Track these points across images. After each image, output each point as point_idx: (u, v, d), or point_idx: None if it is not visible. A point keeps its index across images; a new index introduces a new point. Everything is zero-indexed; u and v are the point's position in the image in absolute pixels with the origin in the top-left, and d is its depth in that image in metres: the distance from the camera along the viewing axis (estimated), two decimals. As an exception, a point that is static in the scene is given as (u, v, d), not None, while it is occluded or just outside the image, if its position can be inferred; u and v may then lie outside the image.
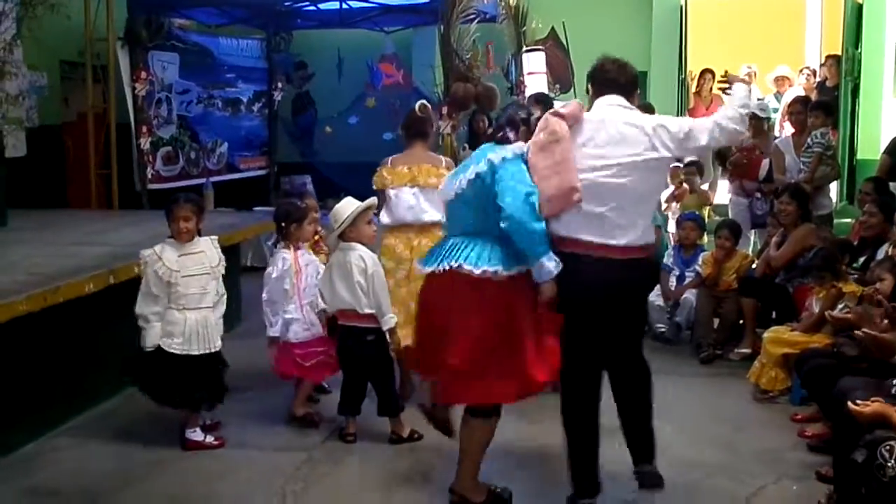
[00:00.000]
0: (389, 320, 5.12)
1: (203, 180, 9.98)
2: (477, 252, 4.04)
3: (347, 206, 5.14)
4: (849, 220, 8.15)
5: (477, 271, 4.00)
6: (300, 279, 5.42)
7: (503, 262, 4.01)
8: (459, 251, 4.07)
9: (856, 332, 4.57)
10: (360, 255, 5.10)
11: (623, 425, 4.38)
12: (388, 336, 5.19)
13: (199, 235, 5.12)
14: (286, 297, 5.39)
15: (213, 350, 5.05)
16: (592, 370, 4.25)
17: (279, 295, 5.40)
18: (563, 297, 4.05)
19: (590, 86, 4.46)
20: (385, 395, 5.24)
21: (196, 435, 5.10)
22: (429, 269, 4.19)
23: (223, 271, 5.18)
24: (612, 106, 4.22)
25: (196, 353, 4.98)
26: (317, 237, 5.94)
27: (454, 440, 4.45)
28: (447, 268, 4.07)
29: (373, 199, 5.37)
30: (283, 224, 5.53)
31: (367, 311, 5.09)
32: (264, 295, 5.42)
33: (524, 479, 4.74)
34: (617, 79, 4.34)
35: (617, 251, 4.02)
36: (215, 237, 5.25)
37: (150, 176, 9.34)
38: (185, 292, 4.94)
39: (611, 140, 4.05)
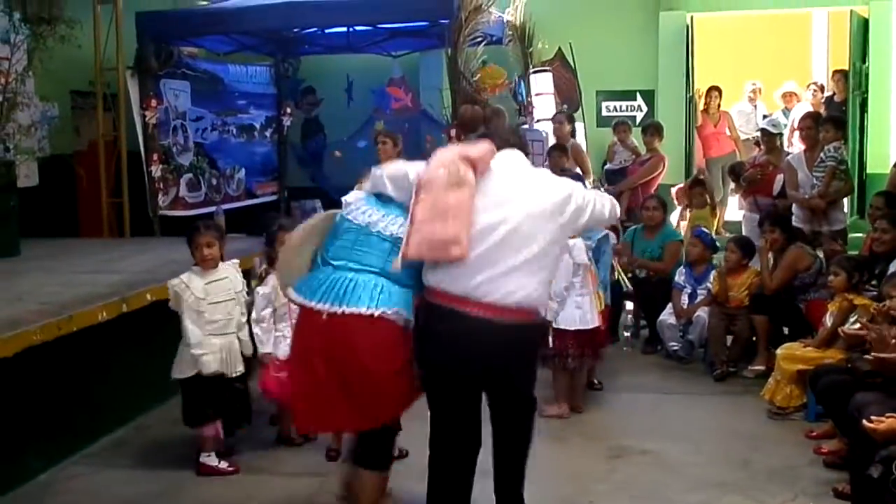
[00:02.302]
0: None
1: (213, 208, 10.02)
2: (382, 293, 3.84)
3: None
4: (860, 234, 8.13)
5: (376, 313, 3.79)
6: None
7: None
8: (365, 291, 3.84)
9: (865, 357, 4.57)
10: None
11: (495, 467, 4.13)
12: None
13: (222, 260, 5.17)
14: (277, 317, 5.41)
15: (235, 374, 5.12)
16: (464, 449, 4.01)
17: (268, 314, 5.42)
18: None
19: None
20: None
21: (211, 460, 5.11)
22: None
23: (245, 296, 5.22)
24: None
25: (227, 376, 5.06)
26: None
27: None
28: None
29: None
30: (268, 248, 5.60)
31: None
32: (253, 314, 5.44)
33: None
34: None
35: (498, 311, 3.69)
36: (236, 261, 5.30)
37: (163, 203, 9.37)
38: (210, 319, 4.99)
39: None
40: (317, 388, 3.93)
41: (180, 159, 9.70)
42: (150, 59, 9.15)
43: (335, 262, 3.95)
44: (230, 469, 5.13)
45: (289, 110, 11.72)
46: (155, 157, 9.19)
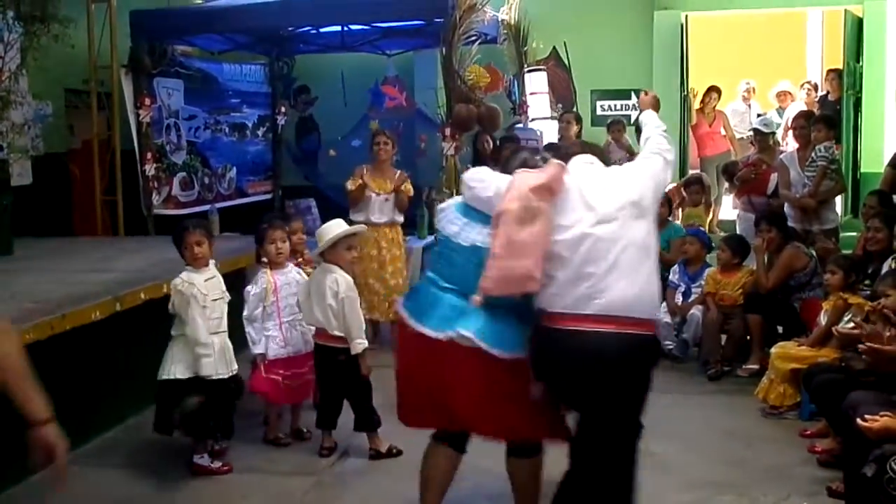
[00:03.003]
0: (358, 345, 5.16)
1: (208, 206, 10.01)
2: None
3: (331, 229, 5.22)
4: (854, 233, 8.15)
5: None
6: (278, 297, 5.45)
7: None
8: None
9: (860, 345, 4.56)
10: (336, 279, 5.18)
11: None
12: (359, 360, 5.21)
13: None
14: (265, 315, 5.43)
15: (233, 373, 5.11)
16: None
17: (258, 313, 5.43)
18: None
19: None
20: (362, 411, 5.31)
21: (204, 460, 5.10)
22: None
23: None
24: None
25: (224, 376, 5.03)
26: (300, 259, 6.00)
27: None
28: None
29: (361, 227, 5.45)
30: (257, 246, 5.64)
31: (337, 333, 5.16)
32: (245, 313, 5.45)
33: None
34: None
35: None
36: (213, 260, 5.28)
37: (156, 202, 9.35)
38: (211, 316, 4.98)
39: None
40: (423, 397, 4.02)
41: (174, 158, 9.69)
42: (143, 57, 9.12)
43: (429, 274, 4.06)
44: (223, 469, 5.12)
45: (283, 109, 11.70)
46: (149, 155, 9.17)
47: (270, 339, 5.44)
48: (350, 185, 7.66)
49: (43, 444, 2.79)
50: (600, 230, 3.64)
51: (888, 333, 4.59)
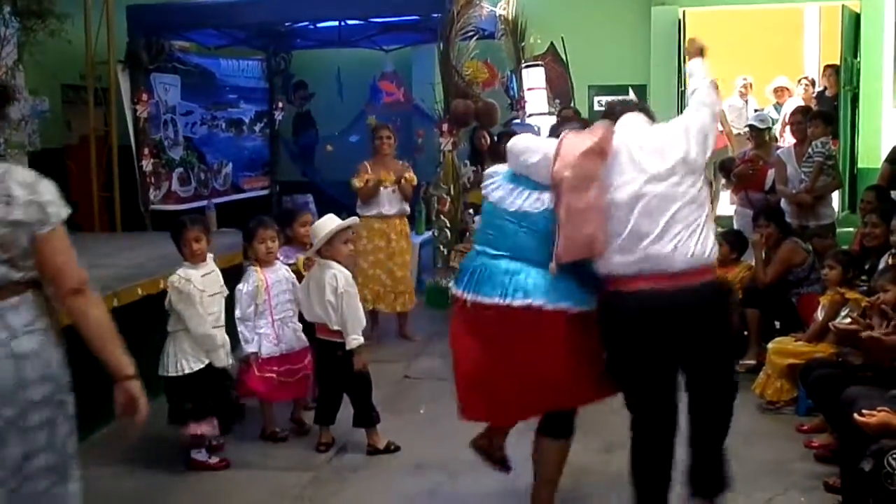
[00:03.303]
0: (353, 341, 5.17)
1: (205, 202, 10.01)
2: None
3: (326, 224, 5.22)
4: (851, 229, 8.15)
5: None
6: (270, 295, 5.44)
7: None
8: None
9: (862, 333, 4.55)
10: (335, 274, 5.18)
11: (690, 452, 4.05)
12: (354, 355, 5.21)
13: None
14: (257, 314, 5.43)
15: (228, 367, 5.16)
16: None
17: (251, 311, 5.43)
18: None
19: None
20: (361, 407, 5.32)
21: (200, 455, 5.10)
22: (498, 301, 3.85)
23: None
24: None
25: (227, 366, 5.12)
26: (308, 253, 5.97)
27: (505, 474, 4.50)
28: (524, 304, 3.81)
29: (353, 219, 5.45)
30: (245, 243, 5.64)
31: (336, 327, 5.17)
32: (237, 312, 5.43)
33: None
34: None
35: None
36: (211, 254, 5.28)
37: (155, 197, 9.35)
38: (209, 311, 5.00)
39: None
40: (484, 377, 3.98)
41: (171, 153, 9.70)
42: (140, 52, 9.12)
43: (477, 247, 4.06)
44: (220, 464, 5.13)
45: (280, 105, 11.70)
46: (146, 151, 9.17)
47: (263, 338, 5.42)
48: (358, 183, 7.63)
49: (127, 396, 3.17)
50: (653, 189, 3.71)
51: (884, 329, 4.59)
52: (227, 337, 5.12)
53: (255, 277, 5.47)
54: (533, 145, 4.00)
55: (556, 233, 3.76)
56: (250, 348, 5.39)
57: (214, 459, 5.13)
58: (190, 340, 4.96)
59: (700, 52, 4.24)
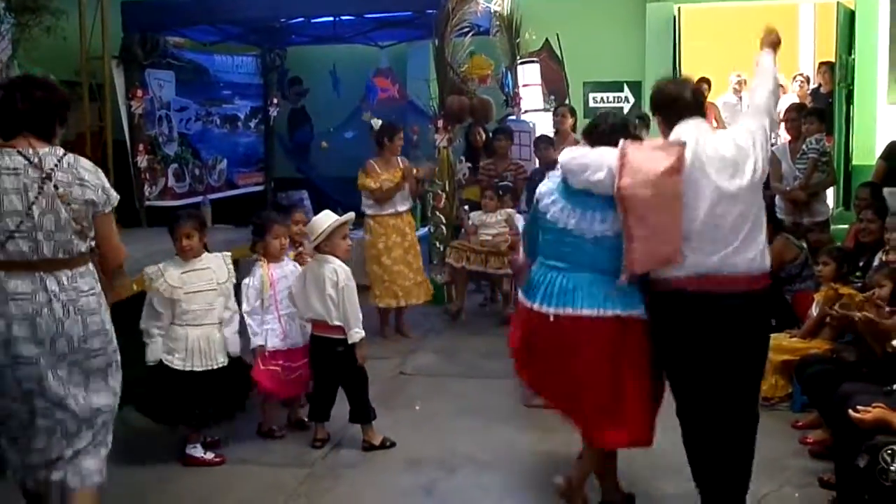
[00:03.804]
0: (356, 335, 5.18)
1: (200, 198, 10.00)
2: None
3: (324, 220, 5.22)
4: (845, 225, 8.17)
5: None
6: (276, 290, 5.45)
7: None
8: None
9: (856, 315, 4.54)
10: (334, 269, 5.18)
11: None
12: (356, 349, 5.22)
13: (207, 251, 5.18)
14: (263, 308, 5.43)
15: (215, 367, 5.06)
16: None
17: (258, 305, 5.44)
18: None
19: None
20: (357, 403, 5.32)
21: (196, 451, 5.10)
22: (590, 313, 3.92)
23: (232, 287, 5.21)
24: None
25: (198, 369, 5.00)
26: (300, 250, 5.97)
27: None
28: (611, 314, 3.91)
29: (350, 214, 5.45)
30: (253, 237, 5.63)
31: (337, 322, 5.15)
32: (244, 306, 5.43)
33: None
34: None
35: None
36: (228, 253, 5.31)
37: (150, 193, 9.34)
38: (188, 308, 4.99)
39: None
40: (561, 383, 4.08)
41: (166, 149, 9.70)
42: (135, 48, 9.11)
43: (549, 262, 4.06)
44: (216, 460, 5.12)
45: (275, 101, 11.69)
46: (141, 147, 9.16)
47: (270, 332, 5.43)
48: (374, 184, 7.61)
49: None
50: (729, 203, 3.78)
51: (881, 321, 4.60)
52: (215, 336, 5.07)
53: (260, 272, 5.47)
54: (594, 161, 3.94)
55: (625, 245, 3.82)
56: (258, 341, 5.40)
57: (210, 455, 5.12)
58: (174, 335, 4.99)
59: (774, 44, 4.27)
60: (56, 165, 3.63)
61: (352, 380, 5.28)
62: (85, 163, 3.75)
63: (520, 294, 4.24)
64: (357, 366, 5.24)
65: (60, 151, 3.70)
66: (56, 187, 3.59)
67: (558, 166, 4.09)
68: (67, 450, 3.72)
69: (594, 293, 3.92)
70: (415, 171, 7.84)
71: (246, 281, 5.48)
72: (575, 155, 4.03)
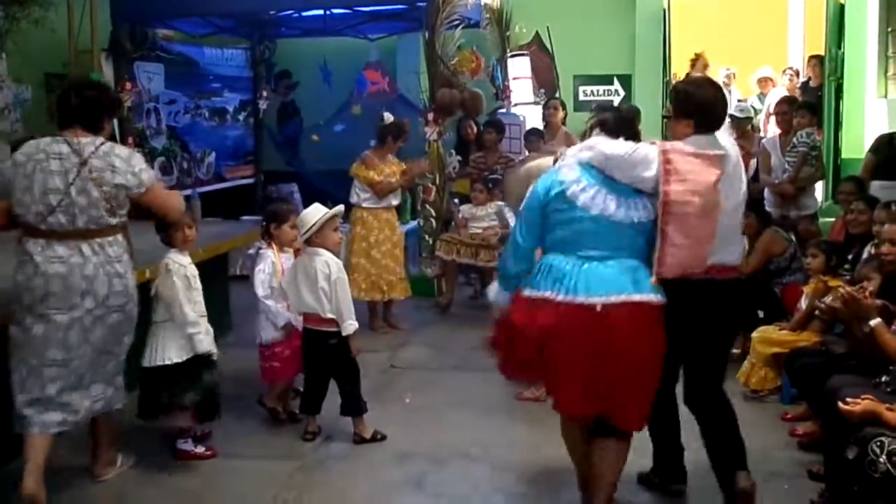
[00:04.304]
0: (349, 326, 5.18)
1: (189, 191, 9.98)
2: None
3: (314, 213, 5.21)
4: (833, 219, 8.19)
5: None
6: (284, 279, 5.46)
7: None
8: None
9: (841, 290, 4.52)
10: (326, 261, 5.17)
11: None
12: (349, 341, 5.22)
13: None
14: (273, 295, 5.46)
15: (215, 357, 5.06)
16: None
17: (270, 290, 5.47)
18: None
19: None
20: (349, 396, 5.31)
21: (187, 445, 5.08)
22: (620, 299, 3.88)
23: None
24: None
25: (215, 352, 5.03)
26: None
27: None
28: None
29: (340, 207, 5.45)
30: (265, 225, 5.63)
31: (330, 315, 5.15)
32: (260, 291, 5.46)
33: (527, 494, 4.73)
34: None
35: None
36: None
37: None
38: (196, 298, 4.96)
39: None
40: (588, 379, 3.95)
41: (153, 143, 9.67)
42: (124, 41, 9.09)
43: (580, 252, 3.93)
44: (207, 453, 5.11)
45: (265, 94, 11.67)
46: (130, 140, 9.13)
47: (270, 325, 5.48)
48: (376, 177, 7.60)
49: None
50: (740, 207, 4.21)
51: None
52: (210, 326, 5.07)
53: (271, 259, 5.48)
54: (646, 156, 3.89)
55: (659, 247, 3.85)
56: (287, 315, 5.45)
57: (201, 449, 5.11)
58: (175, 330, 4.91)
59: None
60: (93, 153, 4.32)
61: (344, 373, 5.27)
62: (120, 151, 4.41)
63: (531, 291, 3.98)
64: (350, 358, 5.24)
65: (99, 141, 4.37)
66: (90, 171, 4.28)
67: (579, 156, 4.04)
68: (81, 390, 4.46)
69: (639, 279, 3.90)
70: (414, 167, 7.84)
71: (259, 267, 5.50)
72: (622, 151, 3.96)
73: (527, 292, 4.00)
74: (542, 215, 4.02)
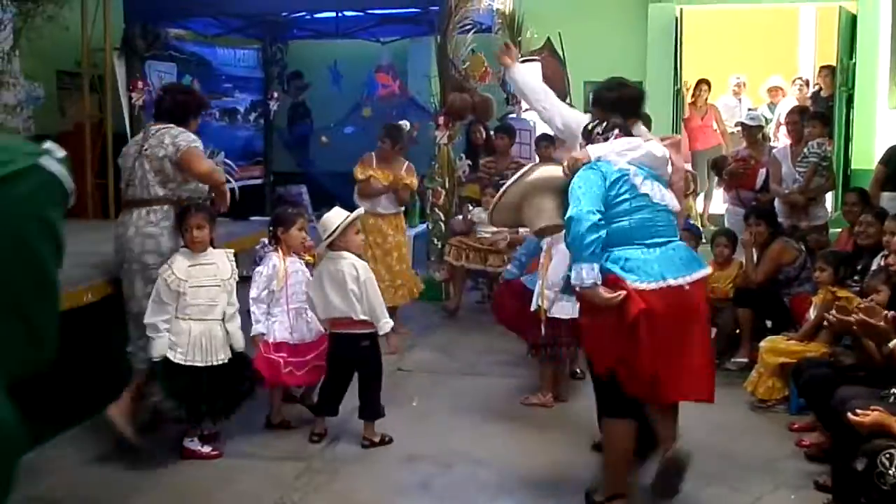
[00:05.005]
0: (385, 325, 5.18)
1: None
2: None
3: (337, 217, 5.20)
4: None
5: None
6: (287, 284, 5.45)
7: None
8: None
9: (852, 316, 4.52)
10: (352, 264, 5.17)
11: None
12: (386, 340, 5.24)
13: (213, 246, 5.16)
14: (273, 300, 5.43)
15: (216, 363, 5.02)
16: None
17: (265, 295, 5.44)
18: None
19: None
20: (371, 400, 5.31)
21: (194, 444, 5.09)
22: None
23: (235, 284, 5.20)
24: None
25: (199, 364, 4.96)
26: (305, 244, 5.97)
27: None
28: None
29: (360, 210, 5.44)
30: (272, 228, 5.62)
31: (363, 317, 5.13)
32: (252, 292, 5.44)
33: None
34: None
35: None
36: (231, 250, 5.28)
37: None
38: (191, 302, 4.95)
39: None
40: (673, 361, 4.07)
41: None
42: (136, 40, 9.10)
43: (647, 241, 4.07)
44: (213, 453, 5.11)
45: (276, 95, 11.68)
46: (140, 138, 9.15)
47: (277, 323, 5.43)
48: (360, 175, 7.61)
49: None
50: None
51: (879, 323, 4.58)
52: (217, 332, 5.03)
53: (275, 262, 5.47)
54: (665, 153, 4.35)
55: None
56: (259, 329, 5.39)
57: (207, 448, 5.11)
58: (177, 329, 4.96)
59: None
60: (151, 136, 5.17)
61: (371, 375, 5.26)
62: (174, 131, 5.17)
63: (604, 292, 3.95)
64: (379, 360, 5.25)
65: (156, 129, 5.21)
66: (146, 149, 5.13)
67: (630, 157, 4.18)
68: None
69: (692, 256, 4.24)
70: (405, 181, 7.73)
71: (259, 269, 5.50)
72: (661, 153, 4.31)
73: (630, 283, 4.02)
74: (605, 198, 4.08)
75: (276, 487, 4.74)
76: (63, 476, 4.86)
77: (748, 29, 15.06)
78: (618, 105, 4.56)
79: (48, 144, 2.06)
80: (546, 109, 5.02)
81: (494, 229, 8.24)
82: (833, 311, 5.11)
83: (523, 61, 10.82)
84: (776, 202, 8.04)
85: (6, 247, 1.94)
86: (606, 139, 4.29)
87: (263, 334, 5.40)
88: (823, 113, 9.26)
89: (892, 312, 4.40)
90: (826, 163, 8.02)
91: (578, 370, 6.44)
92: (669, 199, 4.20)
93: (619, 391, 4.14)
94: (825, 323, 5.44)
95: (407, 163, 7.85)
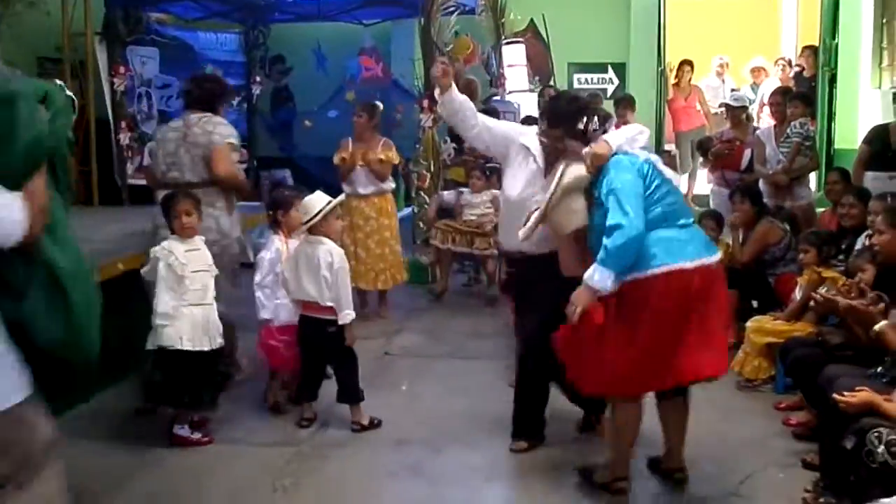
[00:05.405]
0: (347, 316, 5.18)
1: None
2: None
3: (319, 201, 5.19)
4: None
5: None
6: None
7: None
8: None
9: (839, 303, 4.57)
10: (329, 251, 5.17)
11: None
12: (346, 329, 5.23)
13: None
14: (276, 283, 5.43)
15: (216, 347, 5.04)
16: None
17: (270, 280, 5.44)
18: None
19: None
20: (347, 384, 5.32)
21: (184, 431, 5.08)
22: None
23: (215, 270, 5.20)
24: None
25: (206, 349, 4.97)
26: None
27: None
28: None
29: (342, 196, 5.44)
30: (271, 212, 5.61)
31: (329, 303, 5.15)
32: (257, 278, 5.45)
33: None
34: None
35: None
36: (201, 237, 5.23)
37: (130, 171, 9.30)
38: (191, 287, 4.95)
39: None
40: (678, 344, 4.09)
41: (144, 127, 9.62)
42: (118, 24, 9.04)
43: (679, 222, 4.15)
44: (204, 440, 5.11)
45: (258, 79, 11.62)
46: (123, 124, 9.11)
47: (281, 307, 5.43)
48: (336, 160, 7.60)
49: None
50: None
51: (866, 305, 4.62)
52: (214, 317, 5.03)
53: (277, 245, 5.47)
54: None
55: None
56: (266, 314, 5.41)
57: (197, 435, 5.11)
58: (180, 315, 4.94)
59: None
60: (193, 124, 5.62)
61: (342, 360, 5.28)
62: (215, 119, 5.66)
63: (662, 267, 4.02)
64: (347, 346, 5.25)
65: (198, 117, 5.64)
66: (187, 137, 5.59)
67: (640, 143, 4.28)
68: None
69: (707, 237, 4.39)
70: (381, 156, 7.67)
71: (262, 254, 5.51)
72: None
73: (659, 268, 4.02)
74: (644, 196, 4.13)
75: (268, 473, 4.74)
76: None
77: (731, 9, 15.09)
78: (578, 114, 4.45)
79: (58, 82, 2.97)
80: (475, 126, 4.87)
81: (480, 211, 8.21)
82: (821, 293, 5.16)
83: (507, 43, 10.86)
84: (761, 182, 8.06)
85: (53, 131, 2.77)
86: (605, 131, 4.32)
87: (270, 320, 5.40)
88: (806, 93, 9.29)
89: (873, 293, 4.45)
90: (809, 143, 8.05)
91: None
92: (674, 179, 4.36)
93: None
94: (811, 304, 5.47)
95: (384, 139, 7.78)
